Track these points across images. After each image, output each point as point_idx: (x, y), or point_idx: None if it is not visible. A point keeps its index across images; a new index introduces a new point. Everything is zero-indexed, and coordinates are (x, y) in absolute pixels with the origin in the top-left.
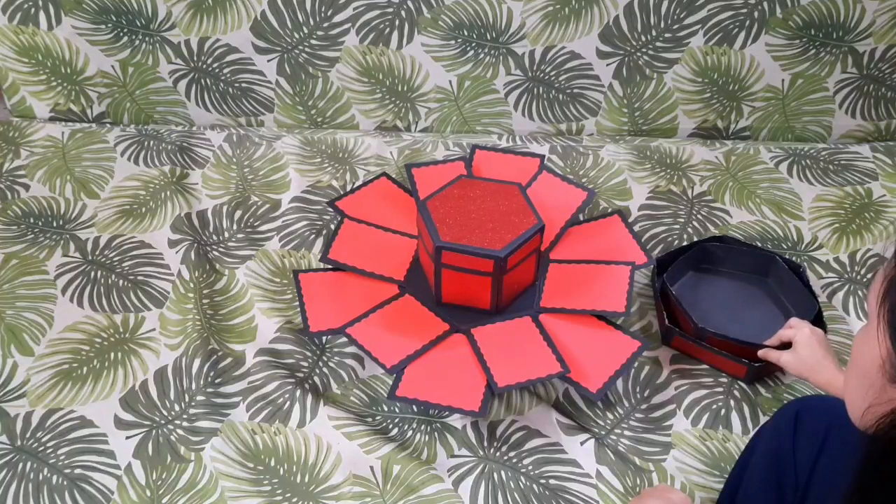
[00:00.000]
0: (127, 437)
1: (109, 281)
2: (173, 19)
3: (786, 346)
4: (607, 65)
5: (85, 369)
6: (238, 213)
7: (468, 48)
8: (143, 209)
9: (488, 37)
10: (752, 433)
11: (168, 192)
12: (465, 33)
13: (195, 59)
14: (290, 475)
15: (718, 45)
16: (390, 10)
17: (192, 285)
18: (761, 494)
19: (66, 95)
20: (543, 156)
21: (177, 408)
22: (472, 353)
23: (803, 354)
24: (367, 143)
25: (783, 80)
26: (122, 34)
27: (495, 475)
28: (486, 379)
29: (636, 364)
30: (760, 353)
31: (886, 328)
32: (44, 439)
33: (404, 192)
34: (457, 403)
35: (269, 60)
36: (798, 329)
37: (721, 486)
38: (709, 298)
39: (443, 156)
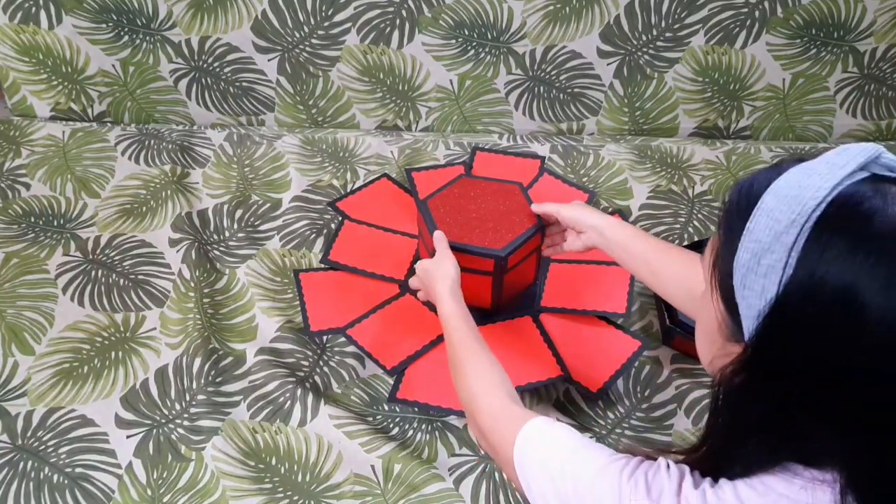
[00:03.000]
0: (128, 437)
1: (110, 280)
2: (174, 18)
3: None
4: (608, 64)
5: (86, 368)
6: (239, 213)
7: (469, 47)
8: (144, 208)
9: (489, 36)
10: None
11: (169, 192)
12: (466, 33)
13: (196, 58)
14: (291, 474)
15: (719, 44)
16: (391, 9)
17: (192, 284)
18: None
19: (67, 94)
20: (544, 157)
21: (178, 407)
22: None
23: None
24: (367, 143)
25: (784, 80)
26: (122, 33)
27: (496, 474)
28: None
29: (637, 363)
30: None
31: (718, 295)
32: (45, 438)
33: (405, 193)
34: (457, 405)
35: (269, 60)
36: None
37: None
38: None
39: (443, 155)
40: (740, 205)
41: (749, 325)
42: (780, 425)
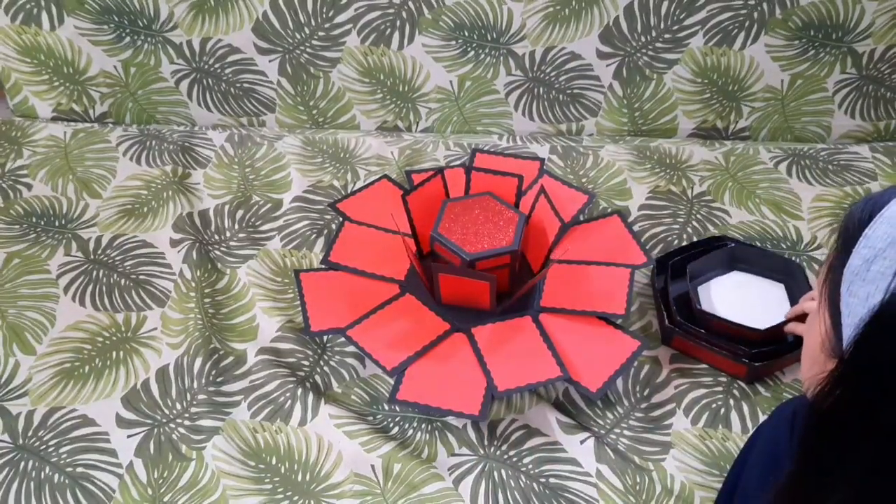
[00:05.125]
0: (128, 436)
1: (111, 280)
2: (175, 20)
3: (802, 319)
4: (607, 65)
5: (87, 368)
6: (240, 213)
7: (469, 49)
8: (145, 209)
9: (489, 37)
10: (751, 432)
11: (170, 192)
12: (466, 34)
13: (197, 59)
14: (291, 473)
15: (718, 45)
16: (391, 10)
17: (193, 284)
18: (759, 493)
19: (69, 95)
20: (543, 159)
21: (178, 406)
22: (472, 354)
23: None
24: (367, 144)
25: (782, 81)
26: (124, 34)
27: (495, 474)
28: (486, 381)
29: (636, 363)
30: (787, 327)
31: (827, 307)
32: (45, 438)
33: None
34: (457, 407)
35: (270, 61)
36: None
37: (720, 486)
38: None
39: (443, 156)
40: (863, 214)
41: (849, 334)
42: (873, 457)
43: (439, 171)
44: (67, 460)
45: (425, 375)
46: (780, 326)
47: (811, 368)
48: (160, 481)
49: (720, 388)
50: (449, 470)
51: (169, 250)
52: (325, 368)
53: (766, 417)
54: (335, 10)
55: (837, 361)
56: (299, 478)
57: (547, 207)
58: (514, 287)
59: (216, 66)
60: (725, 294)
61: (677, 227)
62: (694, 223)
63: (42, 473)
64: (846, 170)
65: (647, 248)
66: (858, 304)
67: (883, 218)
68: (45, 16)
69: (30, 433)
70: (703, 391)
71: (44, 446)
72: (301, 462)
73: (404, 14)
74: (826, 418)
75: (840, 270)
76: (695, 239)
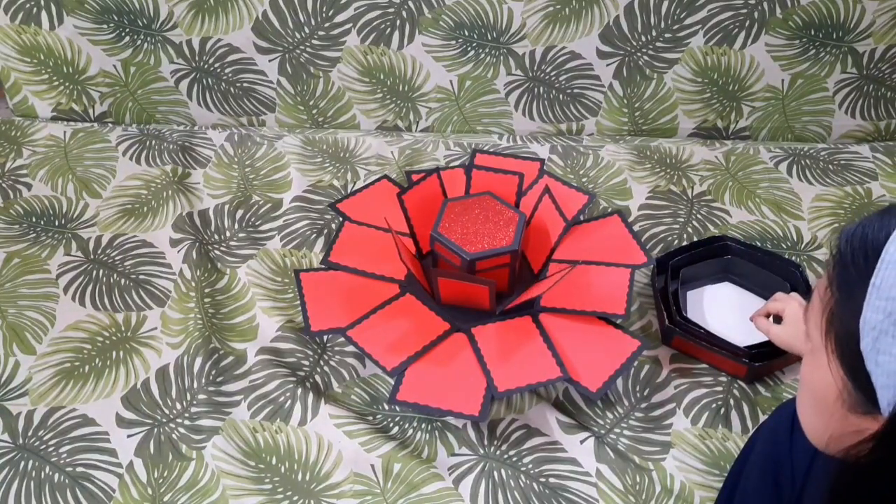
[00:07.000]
0: (129, 436)
1: (111, 280)
2: (175, 19)
3: (775, 319)
4: (607, 65)
5: (87, 368)
6: (239, 213)
7: (469, 48)
8: (145, 208)
9: (489, 37)
10: (751, 432)
11: (170, 192)
12: (466, 33)
13: (197, 58)
14: (291, 473)
15: (718, 45)
16: (391, 10)
17: (193, 284)
18: (759, 493)
19: (69, 95)
20: (544, 160)
21: (178, 406)
22: (472, 354)
23: (794, 329)
24: (367, 143)
25: (783, 81)
26: (123, 34)
27: (495, 473)
28: (486, 381)
29: (636, 363)
30: (752, 318)
31: (838, 361)
32: (45, 437)
33: None
34: (457, 407)
35: (270, 60)
36: (786, 303)
37: (721, 485)
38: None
39: (443, 156)
40: (856, 258)
41: (889, 394)
42: None
43: (433, 171)
44: (67, 460)
45: (425, 376)
46: (762, 346)
47: (826, 420)
48: (160, 481)
49: (720, 388)
50: (449, 470)
51: (169, 250)
52: (325, 368)
53: (766, 417)
54: (335, 9)
55: (885, 422)
56: (299, 477)
57: (550, 207)
58: (513, 287)
59: (216, 65)
60: (715, 303)
61: (677, 227)
62: (694, 223)
63: (42, 473)
64: (846, 169)
65: (647, 247)
66: (894, 362)
67: (887, 263)
68: (44, 15)
69: (30, 433)
70: (703, 391)
71: (44, 446)
72: (301, 462)
73: (404, 13)
74: (862, 478)
75: (848, 321)
76: (695, 239)
